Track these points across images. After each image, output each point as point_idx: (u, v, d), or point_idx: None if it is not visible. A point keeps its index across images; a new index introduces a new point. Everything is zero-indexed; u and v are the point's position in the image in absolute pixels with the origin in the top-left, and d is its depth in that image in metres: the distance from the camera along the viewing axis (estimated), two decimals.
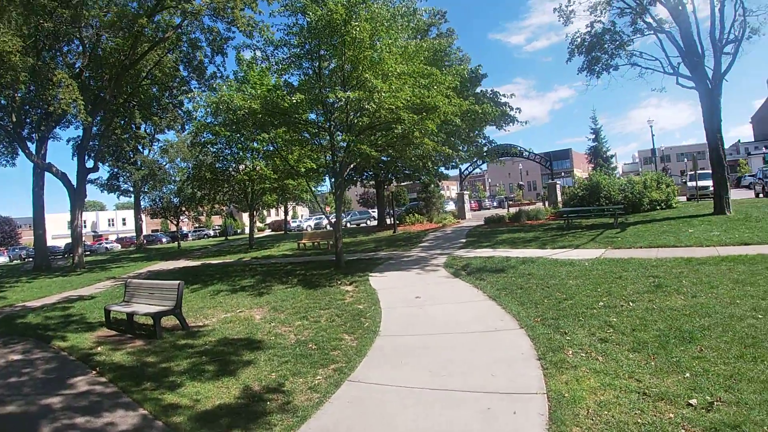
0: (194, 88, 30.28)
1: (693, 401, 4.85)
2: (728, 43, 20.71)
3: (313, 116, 16.73)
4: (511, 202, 53.88)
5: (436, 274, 13.90)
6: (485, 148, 19.98)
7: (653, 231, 17.58)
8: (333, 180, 16.32)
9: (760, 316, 7.22)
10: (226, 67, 30.83)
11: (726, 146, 22.36)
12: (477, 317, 8.88)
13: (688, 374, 5.50)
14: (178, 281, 10.69)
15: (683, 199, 30.63)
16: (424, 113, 13.80)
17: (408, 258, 17.72)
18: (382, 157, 28.49)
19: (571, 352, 6.63)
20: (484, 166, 49.64)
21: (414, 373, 6.49)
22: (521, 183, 75.96)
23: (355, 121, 15.06)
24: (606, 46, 23.45)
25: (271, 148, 18.72)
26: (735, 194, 31.62)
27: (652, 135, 46.14)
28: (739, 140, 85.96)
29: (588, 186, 26.05)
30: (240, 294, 13.74)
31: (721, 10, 20.34)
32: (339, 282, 13.79)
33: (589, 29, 23.62)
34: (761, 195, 30.47)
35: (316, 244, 25.41)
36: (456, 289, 11.62)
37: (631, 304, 8.68)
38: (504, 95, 17.94)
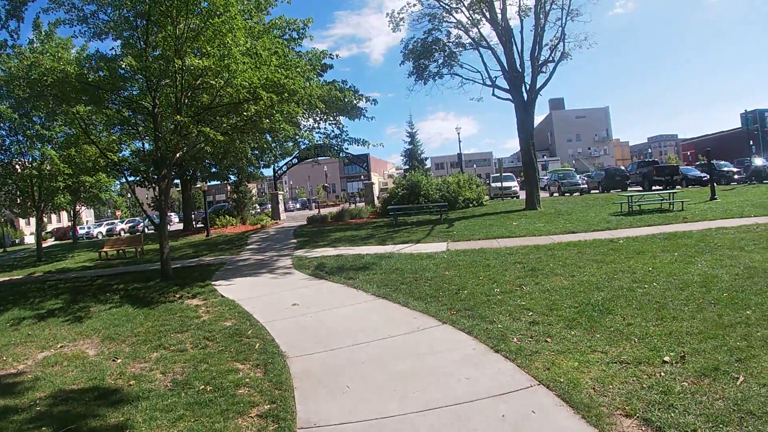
0: None
1: (666, 358, 5.28)
2: (546, 63, 23.96)
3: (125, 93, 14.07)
4: (316, 204, 54.09)
5: (293, 277, 12.60)
6: (335, 140, 18.78)
7: (480, 225, 18.87)
8: (156, 171, 13.81)
9: (645, 286, 8.24)
10: (20, 34, 24.32)
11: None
12: (385, 319, 7.98)
13: (635, 339, 5.94)
14: None
15: (486, 198, 33.51)
16: (286, 94, 12.27)
17: (245, 262, 15.93)
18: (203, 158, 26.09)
19: (516, 338, 6.32)
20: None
21: (378, 399, 5.11)
22: (326, 185, 76.96)
23: (186, 100, 12.96)
24: (435, 55, 25.40)
25: (64, 136, 15.32)
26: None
27: (459, 141, 51.44)
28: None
29: (407, 185, 26.94)
30: (51, 321, 10.32)
31: (541, 34, 23.47)
32: (178, 295, 11.36)
33: (426, 36, 25.32)
34: (556, 194, 35.36)
35: (121, 252, 21.84)
36: (331, 291, 10.58)
37: (523, 288, 8.96)
38: (353, 86, 17.06)
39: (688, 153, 71.67)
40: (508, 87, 24.09)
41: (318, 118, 16.83)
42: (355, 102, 16.40)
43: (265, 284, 11.96)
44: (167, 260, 13.54)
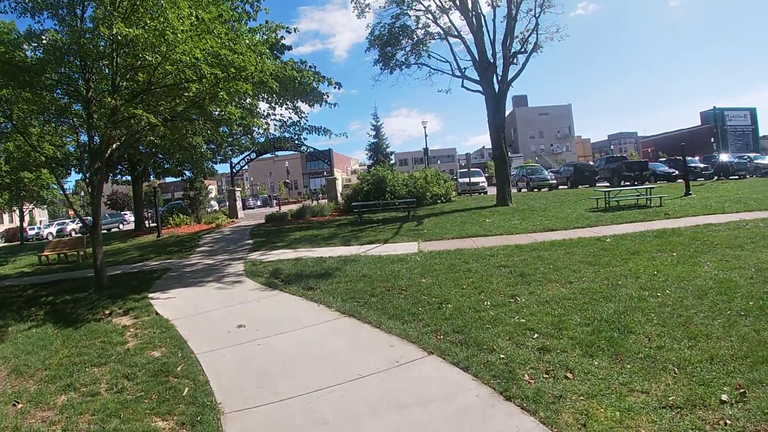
0: None
1: (724, 397, 4.25)
2: (517, 54, 22.88)
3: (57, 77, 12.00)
4: (277, 201, 51.84)
5: (243, 287, 10.68)
6: (292, 128, 16.55)
7: (451, 222, 17.56)
8: (89, 165, 11.80)
9: (658, 295, 7.09)
10: None
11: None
12: (354, 347, 6.30)
13: (674, 369, 4.81)
14: None
15: (454, 194, 32.47)
16: (233, 70, 10.14)
17: (192, 268, 13.96)
18: (141, 149, 23.82)
19: (527, 375, 4.87)
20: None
21: None
22: (288, 181, 74.51)
23: (123, 83, 11.07)
24: (402, 42, 24.07)
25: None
26: (493, 190, 35.23)
27: (425, 135, 50.00)
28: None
29: (372, 180, 25.45)
30: None
31: (513, 25, 22.23)
32: (107, 311, 9.40)
33: (393, 21, 23.86)
34: (524, 190, 34.80)
35: (63, 255, 19.53)
36: (287, 306, 8.70)
37: (518, 299, 7.57)
38: (313, 66, 15.00)
39: (649, 150, 72.41)
40: (478, 78, 22.88)
41: (273, 102, 14.87)
42: (314, 85, 14.41)
43: (210, 297, 10.05)
44: (102, 268, 11.61)
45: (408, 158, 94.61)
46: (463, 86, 23.91)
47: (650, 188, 19.42)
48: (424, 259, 11.17)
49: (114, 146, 12.11)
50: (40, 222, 69.80)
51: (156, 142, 17.02)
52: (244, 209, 38.60)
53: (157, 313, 8.86)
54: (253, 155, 32.97)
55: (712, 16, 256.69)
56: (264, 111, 15.29)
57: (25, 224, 49.71)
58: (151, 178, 31.45)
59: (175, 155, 26.13)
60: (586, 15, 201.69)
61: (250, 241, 18.36)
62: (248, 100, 15.11)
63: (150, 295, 10.51)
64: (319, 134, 16.38)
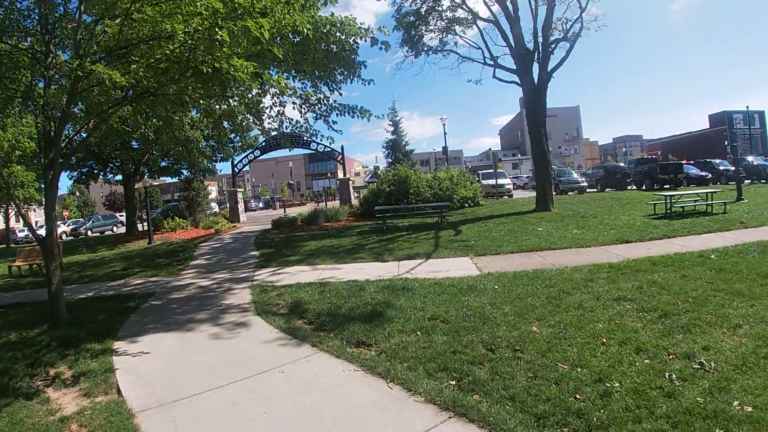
0: None
1: None
2: (559, 41, 20.03)
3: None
4: (281, 203, 48.37)
5: (253, 335, 6.96)
6: (316, 105, 12.60)
7: (496, 231, 14.68)
8: (43, 156, 8.61)
9: None
10: None
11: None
12: None
13: None
14: None
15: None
16: (242, 1, 6.50)
17: (181, 293, 10.48)
18: (133, 144, 20.74)
19: None
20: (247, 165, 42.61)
21: None
22: (292, 182, 71.00)
23: (94, 47, 7.90)
24: (431, 24, 21.43)
25: None
26: (519, 193, 32.41)
27: (445, 133, 46.89)
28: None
29: (395, 181, 22.29)
30: None
31: (552, 9, 19.36)
32: (52, 372, 6.07)
33: None
34: (553, 193, 32.14)
35: (36, 266, 16.26)
36: (332, 386, 4.99)
37: (703, 363, 4.73)
38: (353, 18, 10.96)
39: (658, 153, 69.93)
40: (514, 67, 19.90)
41: (290, 72, 11.15)
42: (353, 41, 10.61)
43: (203, 356, 6.28)
44: (57, 295, 8.25)
45: (415, 159, 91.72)
46: (495, 77, 20.96)
47: (711, 193, 16.81)
48: (503, 287, 8.06)
49: (80, 129, 9.01)
50: (36, 223, 66.36)
51: (149, 135, 14.08)
52: (246, 211, 35.47)
53: (118, 391, 5.38)
54: (257, 153, 29.85)
55: (714, 20, 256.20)
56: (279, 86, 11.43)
57: (18, 225, 46.37)
58: (145, 176, 28.05)
59: (169, 151, 23.09)
60: (586, 18, 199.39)
61: (256, 253, 15.08)
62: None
63: (116, 345, 7.03)
64: (353, 115, 12.52)
